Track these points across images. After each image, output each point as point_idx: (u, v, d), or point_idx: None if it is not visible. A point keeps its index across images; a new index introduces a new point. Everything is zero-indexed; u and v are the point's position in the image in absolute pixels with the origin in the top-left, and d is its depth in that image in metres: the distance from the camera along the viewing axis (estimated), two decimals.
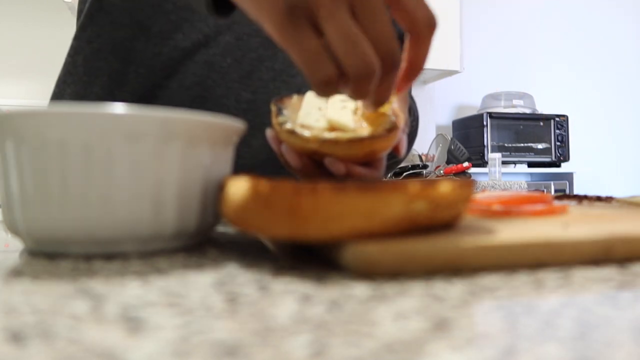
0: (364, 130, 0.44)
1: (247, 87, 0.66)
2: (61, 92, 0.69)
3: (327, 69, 0.31)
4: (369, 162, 0.48)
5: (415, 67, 0.35)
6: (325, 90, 0.32)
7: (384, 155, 0.49)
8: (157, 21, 0.64)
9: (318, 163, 0.46)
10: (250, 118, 0.65)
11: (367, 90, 0.32)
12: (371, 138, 0.43)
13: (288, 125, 0.45)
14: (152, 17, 0.64)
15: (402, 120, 0.47)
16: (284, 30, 0.31)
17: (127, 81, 0.64)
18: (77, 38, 0.68)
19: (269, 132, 0.49)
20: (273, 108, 0.47)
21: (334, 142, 0.43)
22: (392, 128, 0.44)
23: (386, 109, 0.46)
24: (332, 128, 0.44)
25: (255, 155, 0.67)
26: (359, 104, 0.47)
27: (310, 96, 0.48)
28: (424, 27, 0.33)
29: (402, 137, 0.49)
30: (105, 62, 0.64)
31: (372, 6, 0.31)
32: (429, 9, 0.34)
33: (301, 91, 0.66)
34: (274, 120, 0.46)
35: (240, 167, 0.67)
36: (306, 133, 0.43)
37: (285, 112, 0.47)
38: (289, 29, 0.31)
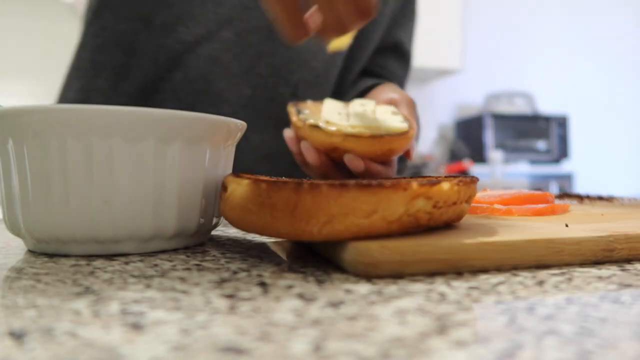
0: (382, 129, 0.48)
1: (247, 83, 0.66)
2: (68, 87, 0.69)
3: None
4: (384, 162, 0.51)
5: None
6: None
7: (397, 157, 0.52)
8: (160, 13, 0.64)
9: (335, 162, 0.49)
10: (250, 114, 0.66)
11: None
12: (391, 135, 0.47)
13: (312, 120, 0.48)
14: (154, 9, 0.64)
15: (414, 125, 0.51)
16: None
17: (131, 74, 0.65)
18: (83, 34, 0.69)
19: (287, 132, 0.52)
20: (292, 109, 0.50)
21: (357, 137, 0.46)
22: (409, 129, 0.48)
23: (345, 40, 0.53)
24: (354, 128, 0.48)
25: (254, 151, 0.68)
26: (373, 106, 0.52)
27: (328, 102, 0.52)
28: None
29: (413, 143, 0.54)
30: (109, 55, 0.65)
31: None
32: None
33: (299, 88, 0.67)
34: (295, 118, 0.49)
35: (238, 162, 0.67)
36: (331, 127, 0.47)
37: (305, 112, 0.50)
38: None
